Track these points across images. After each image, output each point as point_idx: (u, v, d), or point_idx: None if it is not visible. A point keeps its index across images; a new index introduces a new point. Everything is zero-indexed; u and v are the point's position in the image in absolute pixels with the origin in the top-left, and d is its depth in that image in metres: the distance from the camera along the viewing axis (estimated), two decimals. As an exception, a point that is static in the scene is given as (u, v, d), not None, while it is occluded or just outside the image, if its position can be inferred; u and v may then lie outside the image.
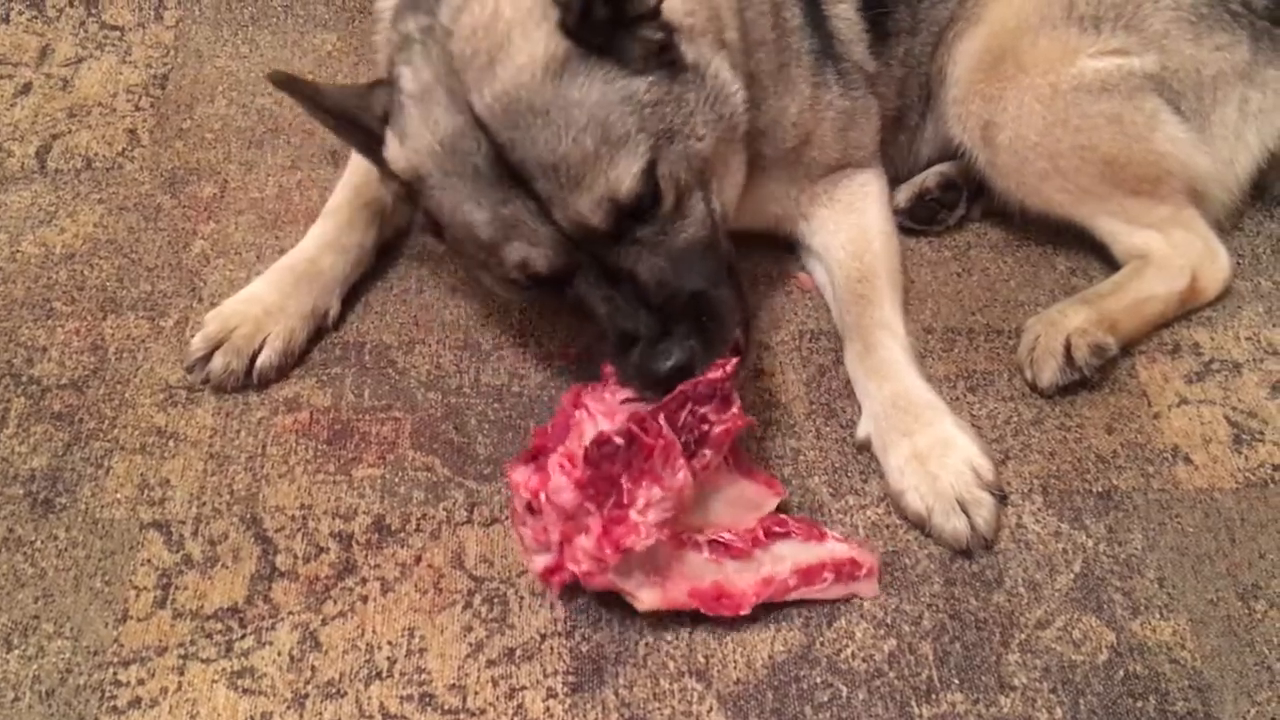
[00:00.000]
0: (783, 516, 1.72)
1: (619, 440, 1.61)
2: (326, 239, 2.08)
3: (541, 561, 1.66)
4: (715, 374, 1.66)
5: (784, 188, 2.08)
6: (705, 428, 1.66)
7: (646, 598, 1.65)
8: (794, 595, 1.70)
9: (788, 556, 1.69)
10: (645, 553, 1.64)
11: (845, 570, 1.71)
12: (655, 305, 1.65)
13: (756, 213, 2.10)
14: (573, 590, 1.72)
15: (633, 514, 1.60)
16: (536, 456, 1.66)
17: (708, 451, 1.66)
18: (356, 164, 2.17)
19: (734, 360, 1.67)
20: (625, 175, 1.62)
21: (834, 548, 1.72)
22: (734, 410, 1.67)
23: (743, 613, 1.66)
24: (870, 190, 2.13)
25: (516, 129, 1.60)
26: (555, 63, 1.60)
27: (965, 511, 1.78)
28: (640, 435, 1.61)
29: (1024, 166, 2.06)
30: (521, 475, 1.64)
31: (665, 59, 1.67)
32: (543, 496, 1.61)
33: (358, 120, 1.75)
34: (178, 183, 2.33)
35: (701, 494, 1.69)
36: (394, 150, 1.71)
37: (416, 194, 1.74)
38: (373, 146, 1.75)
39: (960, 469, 1.80)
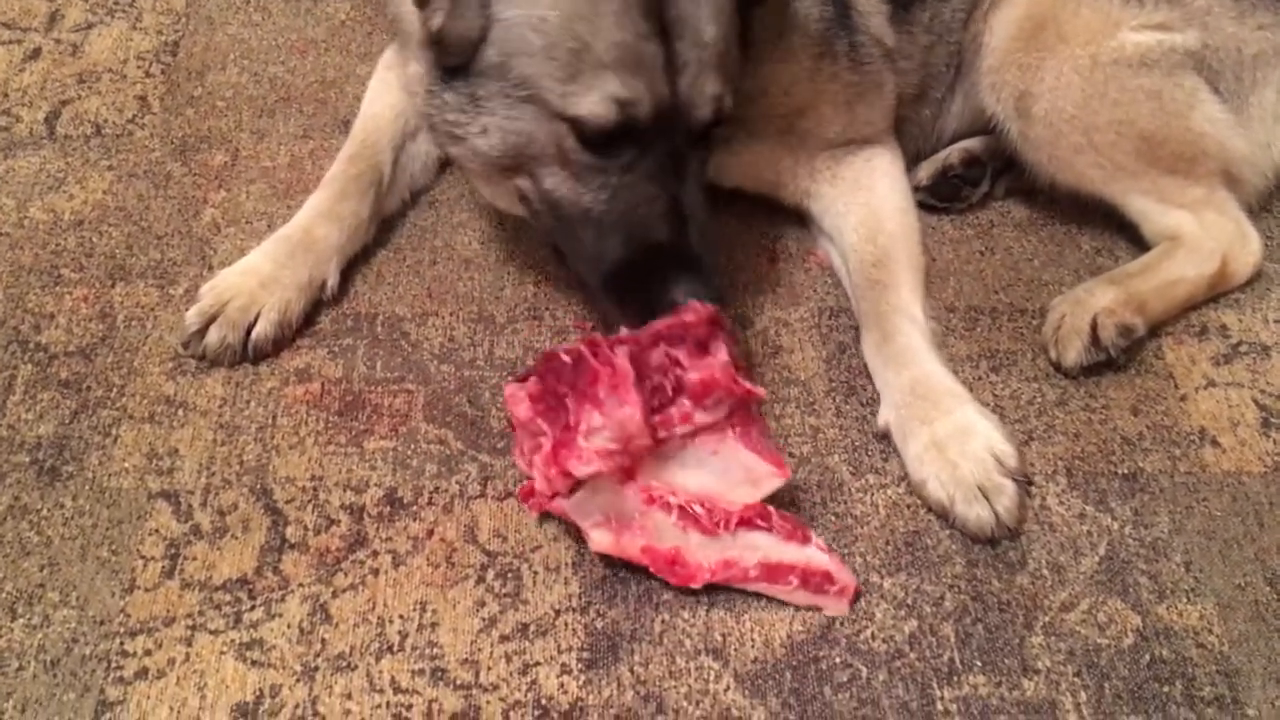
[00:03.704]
0: (769, 509, 1.66)
1: (566, 358, 1.60)
2: (321, 209, 2.05)
3: (525, 483, 1.67)
4: (689, 316, 1.63)
5: (777, 153, 2.05)
6: (680, 372, 1.63)
7: (598, 539, 1.64)
8: (753, 587, 1.65)
9: (761, 548, 1.64)
10: (610, 496, 1.62)
11: (814, 581, 1.64)
12: (698, 220, 1.71)
13: (748, 175, 2.07)
14: (588, 566, 1.70)
15: (579, 438, 1.58)
16: (529, 376, 1.66)
17: (686, 402, 1.63)
18: (353, 134, 2.15)
19: (709, 307, 1.64)
20: (727, 89, 1.72)
21: (812, 554, 1.64)
22: (712, 359, 1.63)
23: (694, 585, 1.63)
24: (879, 166, 2.07)
25: None
26: None
27: (988, 499, 1.74)
28: (588, 357, 1.59)
29: (1058, 139, 2.02)
30: (511, 389, 1.66)
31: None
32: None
33: None
34: (188, 150, 2.29)
35: (694, 455, 1.66)
36: None
37: None
38: None
39: (981, 456, 1.76)
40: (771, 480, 1.67)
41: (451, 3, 1.66)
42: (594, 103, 1.63)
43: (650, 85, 1.64)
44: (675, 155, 1.70)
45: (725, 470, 1.67)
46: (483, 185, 1.94)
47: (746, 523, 1.64)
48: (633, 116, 1.64)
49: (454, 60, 1.70)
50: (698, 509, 1.63)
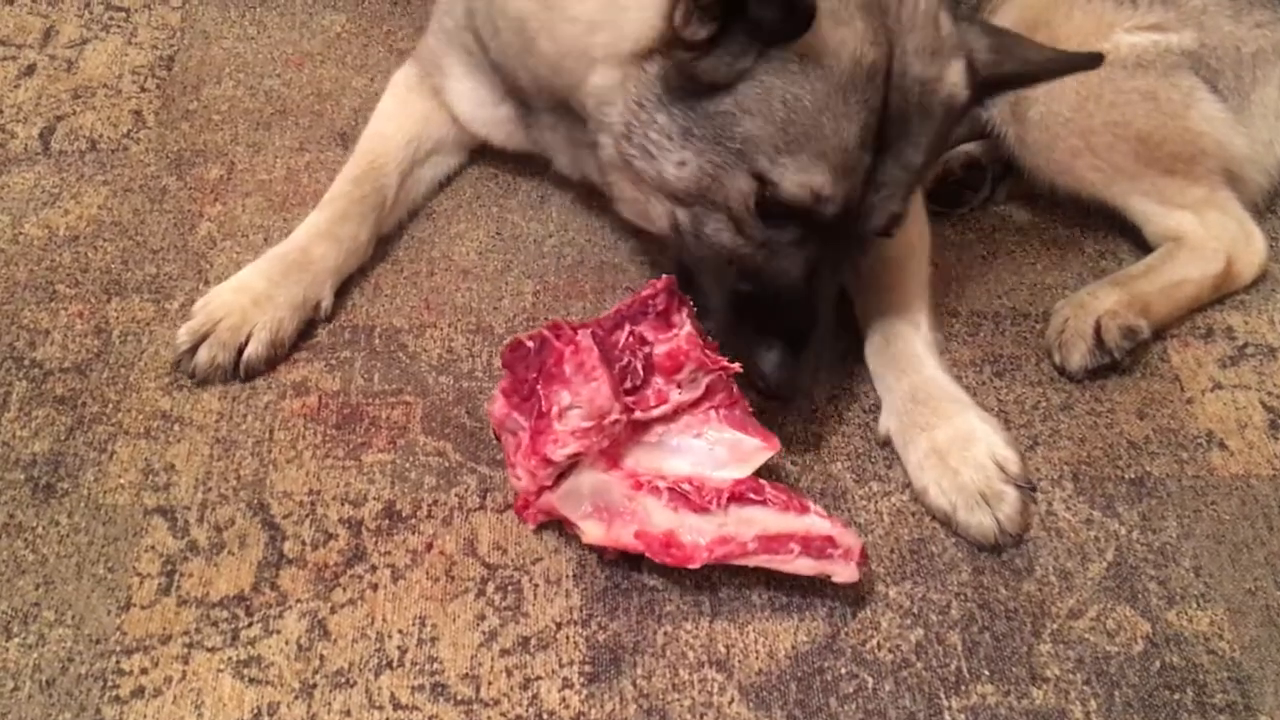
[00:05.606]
0: (761, 483, 1.63)
1: (530, 344, 1.63)
2: (320, 229, 2.02)
3: (518, 496, 1.68)
4: (646, 291, 1.65)
5: None
6: (647, 349, 1.63)
7: (590, 530, 1.63)
8: (754, 561, 1.61)
9: (756, 520, 1.61)
10: (596, 485, 1.61)
11: (816, 546, 1.59)
12: (823, 319, 1.74)
13: None
14: (589, 578, 1.68)
15: (553, 422, 1.60)
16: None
17: (659, 380, 1.63)
18: (359, 152, 2.13)
19: (667, 278, 1.67)
20: (906, 207, 1.75)
21: (812, 521, 1.60)
22: (676, 331, 1.63)
23: (692, 566, 1.60)
24: None
25: (914, 113, 1.65)
26: (960, 101, 1.72)
27: (989, 506, 1.72)
28: (551, 339, 1.62)
29: (1055, 143, 2.01)
30: (491, 403, 1.70)
31: None
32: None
33: None
34: (184, 164, 2.28)
35: (677, 440, 1.65)
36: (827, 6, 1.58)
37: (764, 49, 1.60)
38: None
39: (982, 462, 1.75)
40: (760, 453, 1.65)
41: (719, 37, 1.61)
42: (796, 182, 1.62)
43: (848, 191, 1.64)
44: (833, 250, 1.71)
45: (711, 451, 1.66)
46: (630, 200, 1.85)
47: (739, 498, 1.61)
48: (819, 210, 1.65)
49: (682, 85, 1.66)
50: (686, 488, 1.62)
